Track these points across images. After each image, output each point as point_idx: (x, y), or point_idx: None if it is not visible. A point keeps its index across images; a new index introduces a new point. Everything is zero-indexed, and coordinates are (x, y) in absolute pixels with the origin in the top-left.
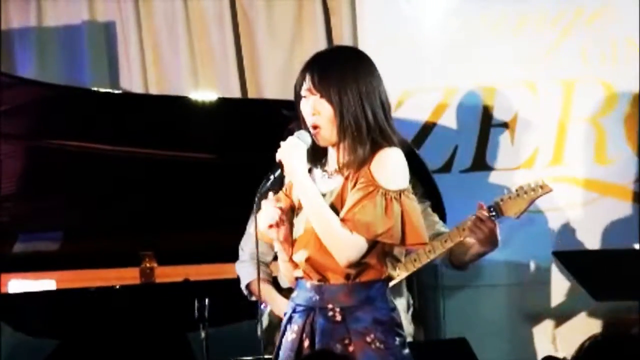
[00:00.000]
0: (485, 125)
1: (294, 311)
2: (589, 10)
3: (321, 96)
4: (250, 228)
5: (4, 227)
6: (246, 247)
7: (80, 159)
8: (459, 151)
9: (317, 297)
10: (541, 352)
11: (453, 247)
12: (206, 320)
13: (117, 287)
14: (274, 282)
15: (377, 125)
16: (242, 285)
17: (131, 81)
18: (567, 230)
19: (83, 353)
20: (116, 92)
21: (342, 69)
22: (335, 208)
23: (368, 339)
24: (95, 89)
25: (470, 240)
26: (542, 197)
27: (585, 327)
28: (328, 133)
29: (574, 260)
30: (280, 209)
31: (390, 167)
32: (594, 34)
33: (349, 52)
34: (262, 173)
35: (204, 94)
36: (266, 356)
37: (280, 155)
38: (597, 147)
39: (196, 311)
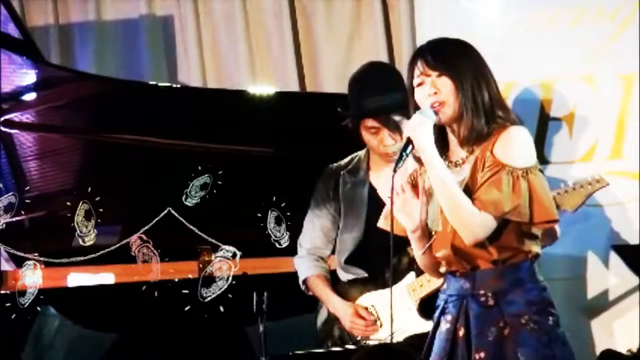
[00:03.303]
0: (543, 118)
1: (445, 302)
2: None
3: (438, 74)
4: (307, 224)
5: (64, 221)
6: (304, 242)
7: (138, 153)
8: None
9: (468, 285)
10: (600, 345)
11: None
12: (264, 314)
13: (176, 280)
14: (332, 275)
15: (495, 100)
16: (300, 280)
17: (189, 75)
18: (626, 223)
19: (141, 346)
20: (174, 85)
21: (452, 47)
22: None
23: (522, 321)
24: (154, 83)
25: None
26: (600, 190)
27: None
28: (450, 108)
29: (633, 254)
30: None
31: (516, 144)
32: None
33: (454, 39)
34: (320, 167)
35: (262, 88)
36: (321, 350)
37: (408, 132)
38: None
39: (254, 305)
